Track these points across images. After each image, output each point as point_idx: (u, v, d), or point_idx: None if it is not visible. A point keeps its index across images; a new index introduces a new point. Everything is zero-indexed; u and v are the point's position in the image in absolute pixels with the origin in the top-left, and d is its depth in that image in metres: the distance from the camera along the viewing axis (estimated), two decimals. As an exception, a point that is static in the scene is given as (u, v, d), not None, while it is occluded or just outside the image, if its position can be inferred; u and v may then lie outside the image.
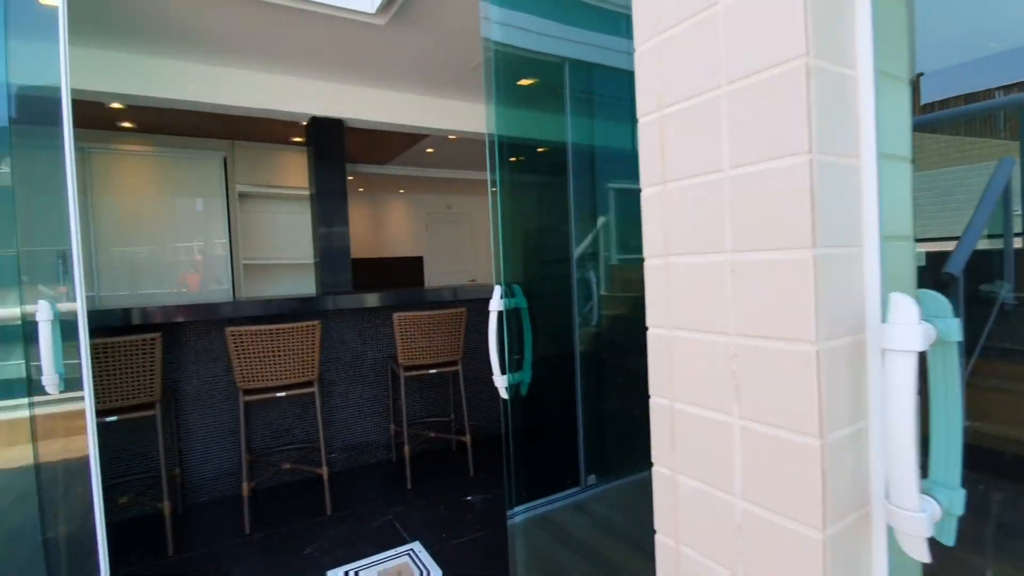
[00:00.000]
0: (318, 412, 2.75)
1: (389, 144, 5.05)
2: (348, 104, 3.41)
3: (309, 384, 2.72)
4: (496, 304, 1.42)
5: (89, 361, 1.61)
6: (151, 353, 2.32)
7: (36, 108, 1.69)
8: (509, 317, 1.50)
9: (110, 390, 2.26)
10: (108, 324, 2.44)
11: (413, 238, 7.96)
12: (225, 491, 2.98)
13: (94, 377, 2.27)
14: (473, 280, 8.44)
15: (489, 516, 2.63)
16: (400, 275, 7.59)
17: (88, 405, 1.63)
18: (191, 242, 4.46)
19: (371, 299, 3.13)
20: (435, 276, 8.10)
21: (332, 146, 3.54)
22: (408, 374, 3.02)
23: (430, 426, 3.64)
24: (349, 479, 3.15)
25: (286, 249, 5.01)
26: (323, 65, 3.14)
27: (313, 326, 2.64)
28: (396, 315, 2.89)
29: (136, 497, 2.59)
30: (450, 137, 4.82)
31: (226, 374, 2.97)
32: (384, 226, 7.72)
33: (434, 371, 3.08)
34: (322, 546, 2.39)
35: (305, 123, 3.77)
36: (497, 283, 1.48)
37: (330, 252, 3.51)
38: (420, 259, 7.84)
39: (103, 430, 2.74)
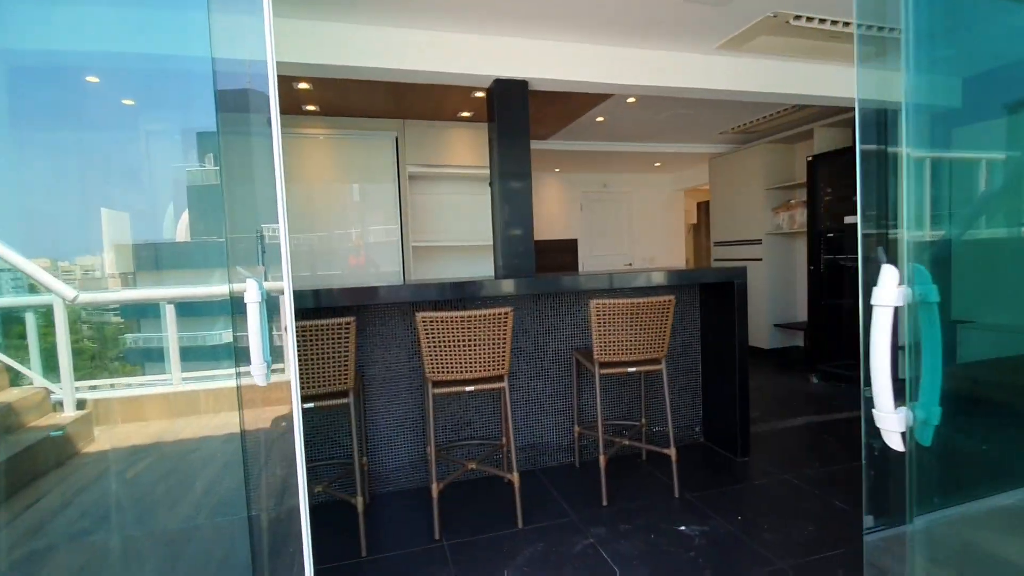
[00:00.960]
0: (508, 410, 2.43)
1: (558, 114, 4.64)
2: (533, 62, 3.03)
3: (500, 379, 2.41)
4: (890, 294, 0.89)
5: (295, 347, 1.39)
6: (346, 338, 2.15)
7: (235, 94, 1.50)
8: (896, 317, 0.95)
9: (307, 376, 2.13)
10: (300, 306, 2.33)
11: (567, 219, 7.56)
12: (408, 483, 2.82)
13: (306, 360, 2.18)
14: (630, 264, 7.82)
15: (714, 556, 2.11)
16: (554, 259, 7.24)
17: (294, 393, 1.41)
18: (363, 225, 4.49)
19: (565, 282, 2.73)
20: (589, 260, 7.63)
21: (515, 114, 3.21)
22: (604, 371, 2.58)
23: (617, 430, 3.19)
24: (532, 484, 2.82)
25: (455, 231, 4.88)
26: (505, 15, 2.79)
27: (505, 314, 2.31)
28: (594, 303, 2.46)
29: (328, 487, 2.49)
30: (628, 100, 4.26)
31: (409, 360, 2.79)
32: (537, 206, 7.41)
33: (633, 369, 2.61)
34: (522, 570, 2.06)
35: (485, 90, 3.48)
36: (886, 260, 0.94)
37: (512, 234, 3.20)
38: (574, 242, 7.42)
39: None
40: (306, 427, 2.66)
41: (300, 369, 2.08)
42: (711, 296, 3.21)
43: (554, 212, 7.51)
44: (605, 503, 2.56)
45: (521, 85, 3.09)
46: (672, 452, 2.63)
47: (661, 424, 3.29)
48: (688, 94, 3.36)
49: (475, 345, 2.30)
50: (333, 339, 2.13)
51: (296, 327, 2.05)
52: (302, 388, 2.11)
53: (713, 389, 3.26)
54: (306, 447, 2.69)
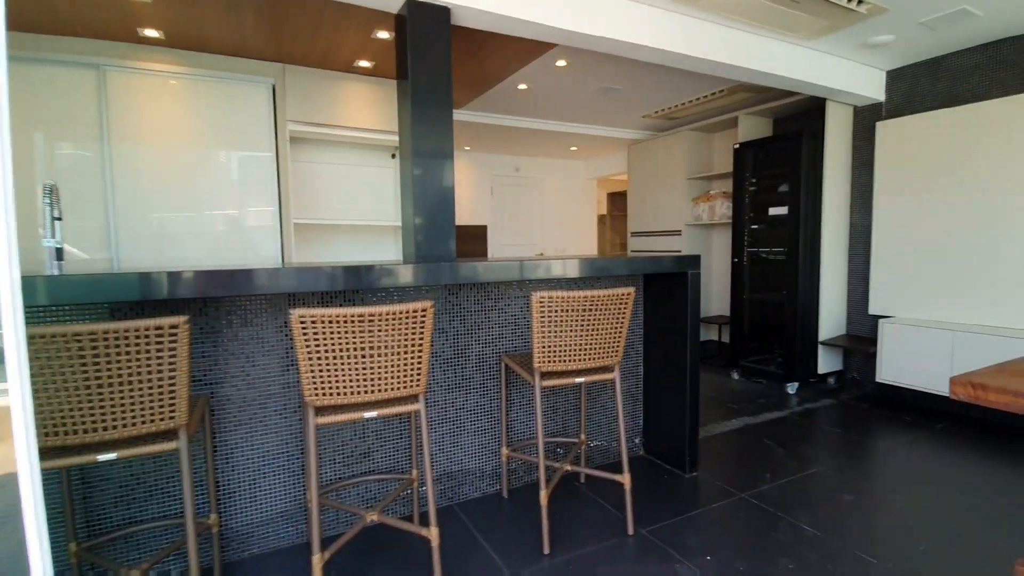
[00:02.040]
0: (424, 438, 1.78)
1: (476, 77, 4.00)
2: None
3: (413, 399, 1.75)
4: None
5: (25, 363, 0.65)
6: (171, 349, 1.37)
7: None
8: None
9: (91, 411, 1.32)
10: (111, 298, 1.50)
11: (477, 204, 6.94)
12: (281, 540, 2.06)
13: (66, 391, 1.32)
14: (541, 254, 7.40)
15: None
16: (463, 246, 6.58)
17: (21, 439, 0.67)
18: (228, 197, 3.53)
19: (498, 270, 2.12)
20: (499, 249, 7.09)
21: (435, 58, 2.53)
22: (548, 383, 2.02)
23: (552, 449, 2.66)
24: (452, 528, 2.20)
25: (351, 208, 4.05)
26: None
27: (423, 311, 1.65)
28: (538, 296, 1.88)
29: (152, 566, 1.68)
30: (558, 64, 3.73)
31: (283, 374, 2.03)
32: (444, 189, 6.71)
33: (583, 380, 2.08)
34: None
35: (394, 22, 2.74)
36: None
37: (428, 215, 2.52)
38: (484, 228, 6.83)
39: (86, 473, 1.82)
40: (121, 477, 1.80)
41: (70, 400, 1.28)
42: (658, 289, 2.78)
43: (463, 195, 6.85)
44: (547, 551, 2.01)
45: (441, 14, 2.42)
46: (626, 480, 2.14)
47: (602, 438, 2.81)
48: (633, 52, 2.90)
49: (379, 355, 1.62)
50: (146, 351, 1.34)
51: (76, 334, 1.24)
52: (84, 429, 1.30)
53: (657, 396, 2.85)
54: (122, 503, 1.84)
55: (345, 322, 1.54)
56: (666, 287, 2.72)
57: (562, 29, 2.56)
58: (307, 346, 1.53)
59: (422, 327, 1.67)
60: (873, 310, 3.96)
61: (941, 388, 3.40)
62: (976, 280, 3.39)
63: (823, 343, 4.06)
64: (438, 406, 2.35)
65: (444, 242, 2.55)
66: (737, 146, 4.44)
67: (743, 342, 4.50)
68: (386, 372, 1.65)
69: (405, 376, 1.69)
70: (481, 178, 6.96)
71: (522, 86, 4.22)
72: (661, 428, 2.83)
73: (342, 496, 2.18)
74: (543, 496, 2.01)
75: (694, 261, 2.61)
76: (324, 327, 1.52)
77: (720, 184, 5.31)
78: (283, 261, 3.62)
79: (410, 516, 2.26)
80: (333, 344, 1.55)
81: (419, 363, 1.70)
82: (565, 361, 2.00)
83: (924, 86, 3.69)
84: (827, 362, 4.15)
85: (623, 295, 2.02)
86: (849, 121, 4.10)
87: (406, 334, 1.65)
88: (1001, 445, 3.00)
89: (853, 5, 2.76)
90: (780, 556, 1.97)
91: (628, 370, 2.88)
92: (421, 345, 1.68)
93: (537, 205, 7.40)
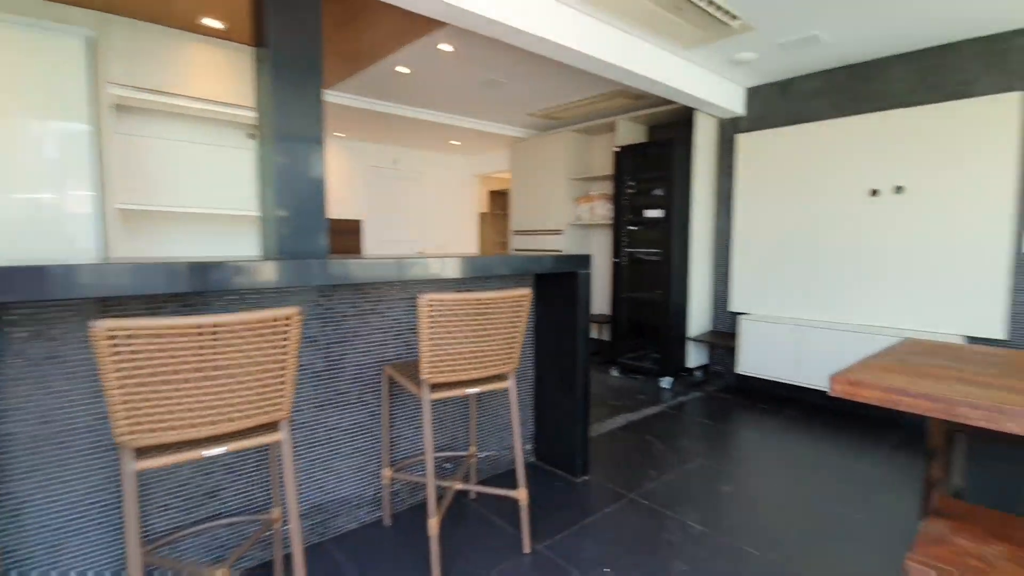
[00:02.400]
0: (287, 471, 1.46)
1: (351, 51, 3.61)
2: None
3: (272, 428, 1.43)
4: None
5: None
6: None
7: None
8: None
9: None
10: None
11: (350, 197, 6.43)
12: (90, 618, 1.59)
13: None
14: (421, 252, 7.09)
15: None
16: (335, 242, 6.06)
17: None
18: (36, 173, 2.77)
19: (378, 268, 1.84)
20: (376, 245, 6.65)
21: (302, 18, 2.15)
22: (438, 395, 1.80)
23: (439, 464, 2.44)
24: (320, 565, 1.88)
25: (196, 194, 3.42)
26: None
27: (287, 319, 1.34)
28: (427, 299, 1.65)
29: None
30: (442, 47, 3.50)
31: (95, 401, 1.57)
32: (314, 179, 6.12)
33: (476, 390, 1.89)
34: None
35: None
36: None
37: (292, 203, 2.15)
38: (358, 223, 6.35)
39: None
40: None
41: None
42: (547, 289, 2.69)
43: (335, 186, 6.31)
44: (437, 584, 1.79)
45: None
46: (522, 495, 1.99)
47: (493, 447, 2.65)
48: (519, 40, 2.77)
49: (227, 376, 1.28)
50: None
51: None
52: None
53: (547, 400, 2.75)
54: None
55: (178, 336, 1.18)
56: (556, 287, 2.63)
57: (446, 1, 2.33)
58: (120, 370, 1.14)
59: (285, 339, 1.35)
60: (733, 308, 4.30)
61: (790, 377, 3.77)
62: (819, 280, 3.80)
63: (692, 339, 4.32)
64: (307, 428, 2.00)
65: (313, 237, 2.21)
66: (618, 150, 4.56)
67: (622, 340, 4.64)
68: (237, 397, 1.31)
69: (263, 400, 1.36)
70: (356, 168, 6.47)
71: (402, 69, 3.92)
72: (552, 432, 2.75)
73: (180, 550, 1.76)
74: (432, 525, 1.78)
75: (584, 261, 2.56)
76: (146, 344, 1.15)
77: (600, 186, 5.45)
78: (106, 255, 2.94)
79: (270, 563, 1.89)
80: (160, 366, 1.18)
81: (281, 384, 1.38)
82: (457, 371, 1.79)
83: (776, 104, 4.07)
84: (695, 357, 4.42)
85: (519, 297, 1.86)
86: (714, 132, 4.40)
87: (265, 348, 1.32)
88: (838, 426, 3.38)
89: (727, 19, 2.91)
90: (674, 559, 1.95)
91: (519, 374, 2.75)
92: (284, 361, 1.37)
93: (417, 200, 7.07)
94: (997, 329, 3.13)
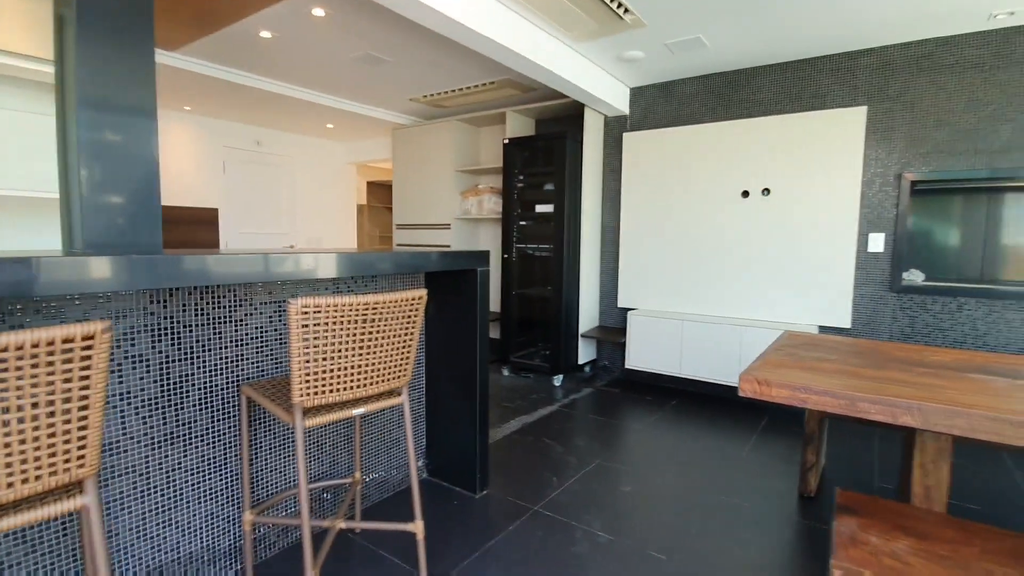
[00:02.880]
0: (96, 543, 1.05)
1: (199, 5, 3.00)
2: None
3: (70, 491, 1.02)
4: None
5: None
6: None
7: None
8: None
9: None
10: None
11: (203, 182, 5.58)
12: None
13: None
14: (292, 246, 6.40)
15: None
16: (184, 234, 5.21)
17: None
18: None
19: (246, 267, 1.44)
20: (236, 238, 5.85)
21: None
22: (315, 421, 1.47)
23: (316, 496, 2.08)
24: (161, 655, 1.46)
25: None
26: None
27: (89, 339, 0.95)
28: (298, 304, 1.32)
29: None
30: (315, 12, 3.05)
31: None
32: (161, 158, 5.19)
33: (362, 411, 1.58)
34: None
35: None
36: None
37: (117, 188, 1.65)
38: (214, 212, 5.53)
39: None
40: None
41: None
42: (441, 288, 2.43)
43: (184, 169, 5.42)
44: (317, 653, 1.46)
45: None
46: (419, 528, 1.73)
47: (381, 468, 2.34)
48: (402, 5, 2.47)
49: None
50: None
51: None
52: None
53: (442, 410, 2.50)
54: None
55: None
56: (451, 285, 2.39)
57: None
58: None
59: (87, 366, 0.96)
60: (622, 303, 4.38)
61: (673, 370, 3.90)
62: (698, 276, 3.98)
63: (583, 335, 4.32)
64: (134, 473, 1.55)
65: (143, 228, 1.73)
66: (507, 141, 4.41)
67: (513, 338, 4.52)
68: (18, 455, 0.89)
69: (57, 456, 0.95)
70: (210, 150, 5.61)
71: (266, 34, 3.38)
72: (447, 446, 2.50)
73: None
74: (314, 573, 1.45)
75: (483, 257, 2.34)
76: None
77: (488, 179, 5.28)
78: None
79: (83, 657, 1.42)
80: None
81: (82, 429, 0.98)
82: (338, 389, 1.48)
83: (658, 105, 4.19)
84: (585, 353, 4.44)
85: (413, 300, 1.59)
86: (602, 129, 4.44)
87: (57, 381, 0.92)
88: (715, 413, 3.56)
89: (621, 12, 2.86)
90: (584, 574, 1.82)
91: (410, 384, 2.47)
92: (86, 396, 0.97)
93: (286, 189, 6.35)
94: (845, 319, 3.48)
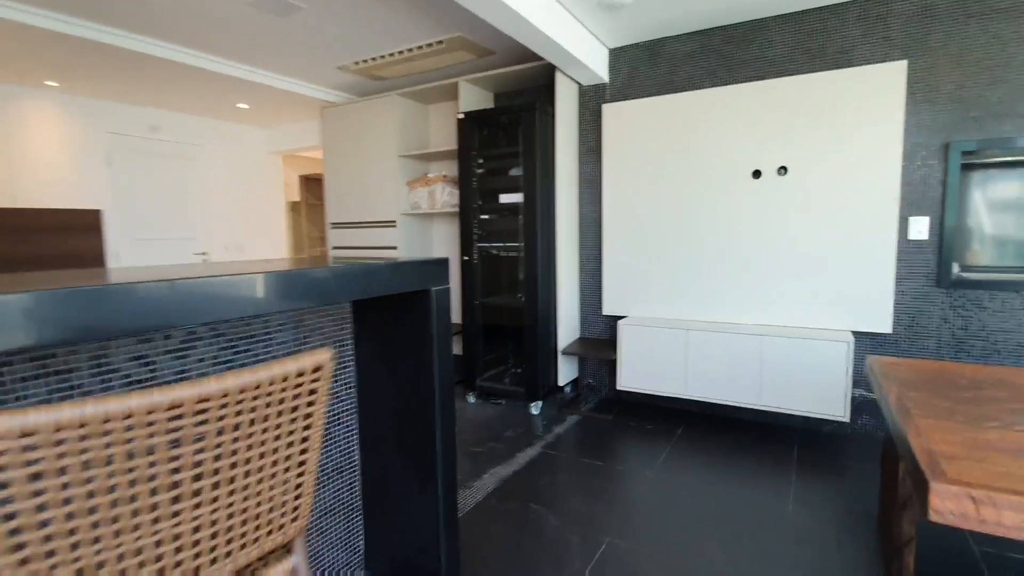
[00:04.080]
0: None
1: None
2: None
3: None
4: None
5: None
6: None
7: None
8: None
9: None
10: None
11: (79, 178, 4.46)
12: None
13: None
14: (204, 255, 5.35)
15: None
16: (47, 242, 4.11)
17: None
18: None
19: None
20: (130, 246, 4.76)
21: None
22: None
23: None
24: None
25: None
26: None
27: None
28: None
29: None
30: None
31: None
32: (16, 148, 4.06)
33: None
34: None
35: None
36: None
37: None
38: (95, 214, 4.43)
39: None
40: None
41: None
42: (380, 319, 1.60)
43: (52, 162, 4.29)
44: None
45: None
46: None
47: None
48: None
49: None
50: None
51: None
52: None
53: (389, 496, 1.67)
54: None
55: None
56: (394, 314, 1.56)
57: None
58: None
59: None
60: (608, 310, 3.64)
61: (676, 390, 3.20)
62: (703, 274, 3.29)
63: (564, 352, 3.55)
64: None
65: None
66: (462, 116, 3.58)
67: (478, 356, 3.71)
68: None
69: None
70: (88, 138, 4.49)
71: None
72: (399, 545, 1.68)
73: None
74: None
75: (437, 271, 1.52)
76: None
77: (440, 165, 4.43)
78: None
79: None
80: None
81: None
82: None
83: (644, 69, 3.46)
84: (566, 370, 3.68)
85: (302, 377, 0.76)
86: (577, 101, 3.67)
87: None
88: (736, 440, 2.88)
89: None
90: None
91: (335, 462, 1.63)
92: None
93: (194, 185, 5.27)
94: (885, 323, 2.86)
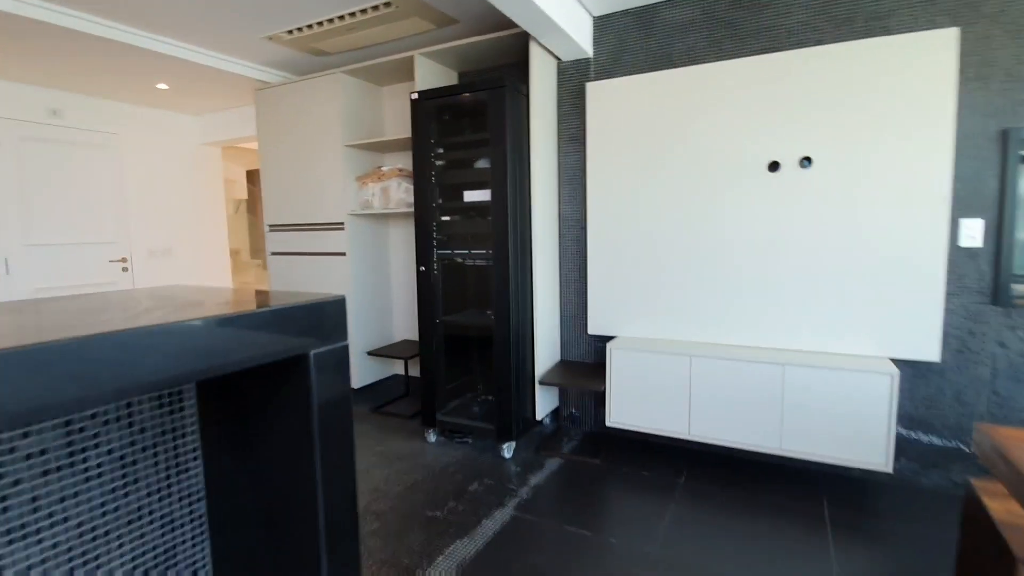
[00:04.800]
0: None
1: None
2: None
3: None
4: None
5: None
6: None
7: None
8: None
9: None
10: None
11: (-44, 169, 3.69)
12: None
13: None
14: (125, 261, 4.61)
15: None
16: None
17: None
18: None
19: None
20: (21, 252, 4.00)
21: None
22: None
23: None
24: None
25: None
26: None
27: None
28: None
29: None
30: None
31: None
32: None
33: None
34: None
35: None
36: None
37: None
38: (-20, 216, 3.66)
39: None
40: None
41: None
42: (238, 390, 0.98)
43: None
44: None
45: None
46: None
47: None
48: None
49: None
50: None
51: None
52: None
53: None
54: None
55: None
56: (261, 381, 0.95)
57: None
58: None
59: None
60: (593, 329, 3.06)
61: (678, 430, 2.65)
62: (711, 287, 2.74)
63: (541, 383, 2.96)
64: None
65: None
66: (415, 96, 2.95)
67: (439, 385, 3.09)
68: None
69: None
70: (-30, 122, 3.72)
71: None
72: None
73: None
74: None
75: (328, 322, 0.90)
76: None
77: (396, 158, 3.80)
78: None
79: None
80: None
81: None
82: None
83: (635, 40, 2.89)
84: (544, 401, 3.10)
85: None
86: (555, 78, 3.08)
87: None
88: (749, 491, 2.34)
89: None
90: None
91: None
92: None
93: (109, 180, 4.51)
94: (932, 350, 2.35)
